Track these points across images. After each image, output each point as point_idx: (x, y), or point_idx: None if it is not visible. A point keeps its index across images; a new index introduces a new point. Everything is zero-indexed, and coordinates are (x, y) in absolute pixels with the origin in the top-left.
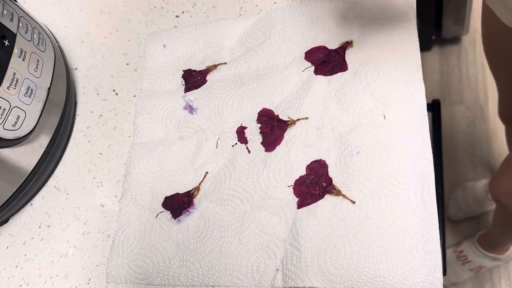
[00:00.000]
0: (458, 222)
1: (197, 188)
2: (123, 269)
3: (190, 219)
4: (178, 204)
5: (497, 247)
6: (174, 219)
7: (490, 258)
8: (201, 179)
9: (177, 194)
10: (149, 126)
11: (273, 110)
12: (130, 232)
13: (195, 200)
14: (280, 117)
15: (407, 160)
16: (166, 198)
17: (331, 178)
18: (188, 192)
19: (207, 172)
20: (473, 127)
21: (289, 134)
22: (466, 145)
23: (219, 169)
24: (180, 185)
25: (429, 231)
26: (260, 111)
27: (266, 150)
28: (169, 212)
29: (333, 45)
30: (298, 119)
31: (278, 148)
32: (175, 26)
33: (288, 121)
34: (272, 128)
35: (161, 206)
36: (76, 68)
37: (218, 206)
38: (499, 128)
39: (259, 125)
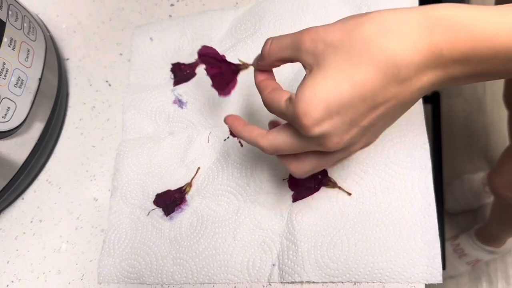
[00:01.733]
0: (455, 215)
1: (189, 184)
2: (115, 268)
3: (183, 216)
4: (170, 201)
5: (494, 240)
6: (166, 216)
7: (487, 251)
8: (193, 174)
9: (169, 190)
10: (137, 121)
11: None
12: (121, 230)
13: (188, 197)
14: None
15: (403, 150)
16: (158, 195)
17: (326, 170)
18: (180, 188)
19: (199, 168)
20: (470, 119)
21: (242, 77)
22: (464, 137)
23: (211, 164)
24: (172, 182)
25: (427, 221)
26: (200, 50)
27: (221, 94)
28: (160, 209)
29: None
30: (251, 64)
31: (233, 92)
32: (170, 15)
33: (240, 64)
34: (220, 69)
35: (152, 203)
36: (68, 58)
37: (211, 202)
38: (497, 120)
39: (204, 67)
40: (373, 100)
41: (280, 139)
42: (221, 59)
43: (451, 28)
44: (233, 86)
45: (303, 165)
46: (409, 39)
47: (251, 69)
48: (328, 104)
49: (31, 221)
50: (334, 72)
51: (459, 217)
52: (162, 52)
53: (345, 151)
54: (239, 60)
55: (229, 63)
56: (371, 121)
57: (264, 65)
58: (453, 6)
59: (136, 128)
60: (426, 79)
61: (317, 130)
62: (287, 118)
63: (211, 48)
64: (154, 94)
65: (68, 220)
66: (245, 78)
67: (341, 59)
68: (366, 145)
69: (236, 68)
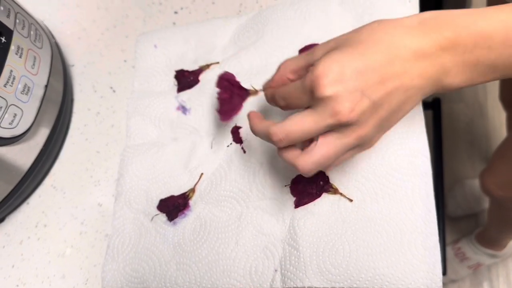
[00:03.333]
0: (457, 220)
1: (192, 190)
2: (119, 273)
3: (186, 221)
4: (173, 207)
5: (494, 243)
6: (170, 221)
7: (488, 255)
8: (196, 180)
9: (172, 196)
10: (141, 127)
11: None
12: (125, 236)
13: (191, 202)
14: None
15: (404, 157)
16: (161, 201)
17: (327, 177)
18: (183, 194)
19: (202, 173)
20: (471, 124)
21: (249, 103)
22: (465, 142)
23: (214, 170)
24: (175, 187)
25: (428, 227)
26: (221, 74)
27: (221, 119)
28: (164, 214)
29: None
30: (260, 90)
31: (235, 118)
32: (174, 23)
33: (249, 90)
34: (231, 94)
35: (156, 209)
36: (73, 65)
37: (214, 208)
38: (498, 125)
39: (218, 90)
40: (381, 73)
41: (292, 121)
42: (235, 83)
43: (437, 21)
44: (236, 112)
45: (311, 156)
46: (408, 32)
47: (260, 96)
48: (343, 67)
49: (36, 226)
50: (350, 49)
51: (460, 221)
52: (166, 59)
53: (358, 131)
54: (251, 86)
55: (241, 87)
56: (381, 97)
57: (277, 79)
58: (437, 11)
59: (140, 134)
60: (423, 66)
61: (330, 89)
62: (304, 90)
63: (231, 74)
64: (158, 101)
65: (72, 225)
66: (252, 105)
67: (356, 43)
68: (370, 145)
69: (246, 93)
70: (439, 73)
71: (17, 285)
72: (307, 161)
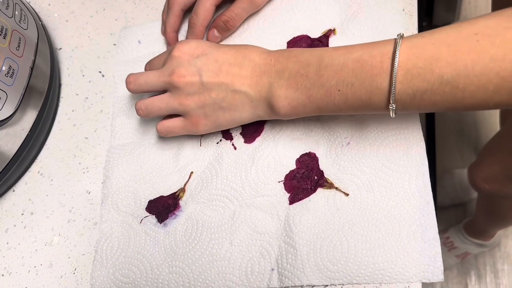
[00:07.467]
0: (445, 209)
1: (183, 189)
2: (109, 279)
3: (177, 223)
4: (163, 208)
5: (482, 233)
6: (160, 223)
7: (476, 245)
8: (186, 179)
9: (162, 197)
10: (126, 126)
11: None
12: (113, 239)
13: (181, 202)
14: None
15: (399, 148)
16: (150, 202)
17: (322, 171)
18: (173, 194)
19: (192, 172)
20: (461, 114)
21: (269, 125)
22: (455, 132)
23: (205, 168)
24: (164, 187)
25: (426, 219)
26: None
27: (245, 142)
28: (154, 216)
29: (315, 33)
30: None
31: (258, 140)
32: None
33: None
34: None
35: (145, 210)
36: (60, 48)
37: (206, 207)
38: (487, 116)
39: None
40: (221, 67)
41: (144, 73)
42: None
43: (283, 52)
44: (259, 134)
45: (146, 100)
46: (260, 55)
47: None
48: (197, 47)
49: (22, 214)
50: (215, 44)
51: (449, 211)
52: (150, 54)
53: (182, 98)
54: None
55: None
56: (210, 82)
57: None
58: (289, 49)
59: (125, 133)
60: (255, 79)
61: (179, 53)
62: (168, 52)
63: None
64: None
65: (60, 212)
66: (271, 127)
67: (225, 45)
68: (194, 124)
69: None
70: (267, 90)
71: (3, 275)
72: (141, 102)
